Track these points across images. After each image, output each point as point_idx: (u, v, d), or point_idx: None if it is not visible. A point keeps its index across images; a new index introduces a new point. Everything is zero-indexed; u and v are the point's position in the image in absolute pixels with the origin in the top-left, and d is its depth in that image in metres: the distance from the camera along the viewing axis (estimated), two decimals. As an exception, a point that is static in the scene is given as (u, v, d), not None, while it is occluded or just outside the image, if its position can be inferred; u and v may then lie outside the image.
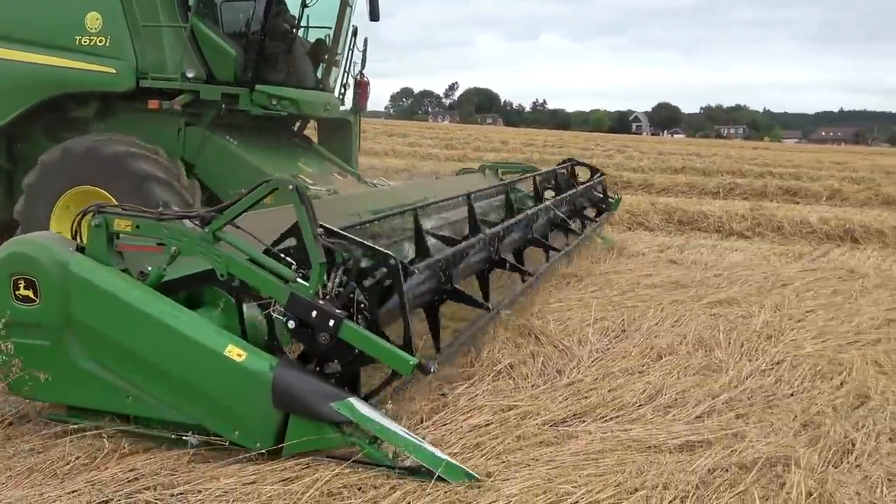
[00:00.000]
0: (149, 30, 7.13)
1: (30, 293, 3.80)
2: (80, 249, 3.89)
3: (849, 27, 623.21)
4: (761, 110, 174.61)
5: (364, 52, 8.76)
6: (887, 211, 16.45)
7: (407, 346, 3.84)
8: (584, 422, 4.26)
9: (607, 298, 6.98)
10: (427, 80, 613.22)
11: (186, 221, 3.85)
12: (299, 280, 3.71)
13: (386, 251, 4.01)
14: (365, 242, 4.02)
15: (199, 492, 3.29)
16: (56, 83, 7.29)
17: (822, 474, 3.73)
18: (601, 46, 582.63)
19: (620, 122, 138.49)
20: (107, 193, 6.58)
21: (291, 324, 3.70)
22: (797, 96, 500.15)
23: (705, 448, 3.97)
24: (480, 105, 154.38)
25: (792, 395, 4.91)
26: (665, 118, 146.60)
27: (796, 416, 4.50)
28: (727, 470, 3.71)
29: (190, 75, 7.16)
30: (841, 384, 5.13)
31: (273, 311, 3.78)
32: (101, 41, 7.19)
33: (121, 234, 3.90)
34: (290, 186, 3.81)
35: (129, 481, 3.37)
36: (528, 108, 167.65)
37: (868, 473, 3.85)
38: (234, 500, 3.22)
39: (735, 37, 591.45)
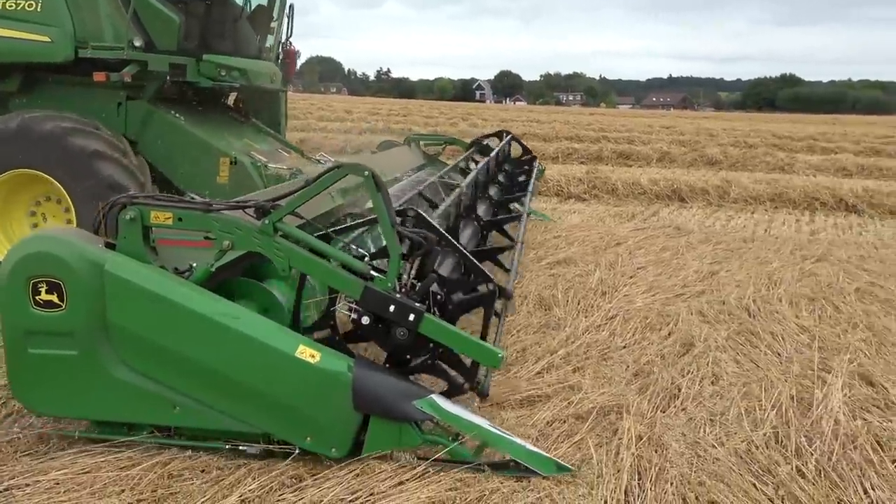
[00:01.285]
0: None
1: (53, 297, 3.32)
2: (109, 246, 3.46)
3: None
4: (597, 77, 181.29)
5: (291, 18, 8.22)
6: (710, 171, 17.55)
7: (484, 337, 3.70)
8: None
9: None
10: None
11: (238, 212, 3.48)
12: (373, 272, 3.46)
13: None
14: (440, 229, 3.83)
15: (28, 485, 3.12)
16: None
17: (651, 419, 3.98)
18: (442, 15, 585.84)
19: (464, 91, 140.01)
20: (47, 176, 6.03)
21: (366, 320, 3.44)
22: (629, 64, 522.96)
23: (544, 402, 4.15)
24: (324, 74, 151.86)
25: (624, 347, 5.18)
26: (507, 86, 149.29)
27: (628, 367, 4.77)
28: (564, 421, 3.91)
29: (137, 44, 6.51)
30: (668, 334, 5.46)
31: (339, 307, 3.54)
32: (31, 6, 6.39)
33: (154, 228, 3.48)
34: (366, 172, 3.49)
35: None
36: (372, 77, 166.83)
37: (692, 416, 4.13)
38: (65, 492, 3.08)
39: (570, 5, 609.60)
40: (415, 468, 3.32)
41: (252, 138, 7.64)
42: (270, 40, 8.02)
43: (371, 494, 3.14)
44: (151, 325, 3.34)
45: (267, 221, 3.44)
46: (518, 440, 3.46)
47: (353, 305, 3.45)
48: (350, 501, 3.10)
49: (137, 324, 3.35)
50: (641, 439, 3.69)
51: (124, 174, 6.05)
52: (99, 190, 5.76)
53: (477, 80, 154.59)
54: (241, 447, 3.42)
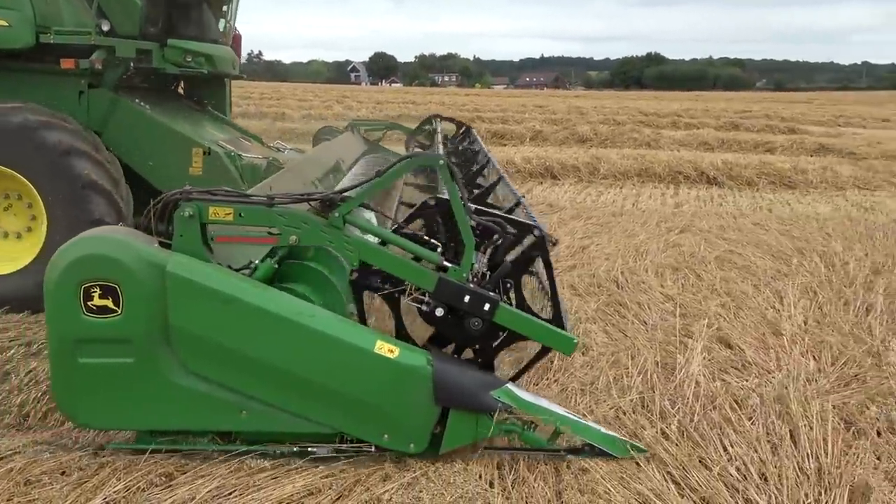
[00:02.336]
0: None
1: (107, 302, 3.10)
2: (163, 245, 3.24)
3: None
4: (471, 58, 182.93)
5: (236, 1, 7.73)
6: (581, 149, 18.02)
7: (558, 323, 3.56)
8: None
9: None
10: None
11: (303, 206, 3.33)
12: (447, 263, 3.36)
13: (530, 222, 3.72)
14: (508, 216, 3.72)
15: None
16: None
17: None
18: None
19: (339, 73, 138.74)
20: (15, 173, 5.46)
21: (440, 311, 3.35)
22: (503, 44, 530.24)
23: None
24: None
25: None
26: (383, 68, 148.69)
27: (503, 343, 4.84)
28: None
29: (105, 28, 6.06)
30: (541, 308, 5.57)
31: (409, 299, 3.41)
32: None
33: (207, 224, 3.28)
34: (441, 161, 3.40)
35: None
36: (243, 60, 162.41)
37: (565, 386, 4.27)
38: None
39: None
40: (290, 462, 3.29)
41: (213, 127, 7.30)
42: (223, 24, 7.58)
43: (246, 488, 3.08)
44: (219, 327, 3.18)
45: (337, 214, 3.32)
46: (593, 424, 3.52)
47: (424, 298, 3.38)
48: (223, 496, 3.03)
49: (204, 326, 3.18)
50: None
51: (98, 171, 5.59)
52: (74, 189, 5.41)
53: (352, 63, 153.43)
54: (309, 448, 3.33)
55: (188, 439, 3.34)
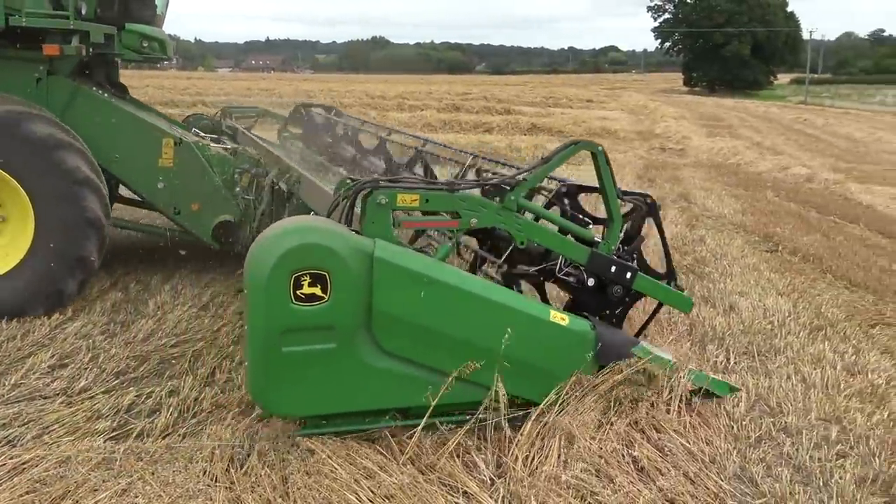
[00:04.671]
0: None
1: (316, 290, 3.15)
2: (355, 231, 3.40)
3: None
4: (193, 40, 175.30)
5: None
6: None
7: (672, 279, 4.16)
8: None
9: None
10: None
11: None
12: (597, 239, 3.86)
13: (644, 192, 4.16)
14: (626, 191, 4.07)
15: None
16: None
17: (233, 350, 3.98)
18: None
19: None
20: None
21: (591, 282, 3.87)
22: (226, 25, 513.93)
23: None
24: None
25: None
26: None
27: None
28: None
29: (84, 12, 5.58)
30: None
31: (561, 273, 3.87)
32: None
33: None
34: (599, 147, 3.84)
35: None
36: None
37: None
38: None
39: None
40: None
41: (153, 116, 6.63)
42: (160, 5, 6.94)
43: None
44: (419, 307, 3.31)
45: (512, 198, 3.64)
46: (702, 371, 4.08)
47: (573, 270, 3.86)
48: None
49: (404, 307, 3.30)
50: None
51: (85, 163, 5.17)
52: (66, 185, 5.04)
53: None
54: (481, 416, 3.45)
55: (366, 419, 3.44)
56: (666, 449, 3.57)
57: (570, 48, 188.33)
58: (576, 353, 3.64)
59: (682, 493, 3.25)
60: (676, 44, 79.03)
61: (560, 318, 3.63)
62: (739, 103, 47.76)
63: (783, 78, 79.62)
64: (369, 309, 3.27)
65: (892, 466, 3.59)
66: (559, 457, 3.34)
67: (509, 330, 3.43)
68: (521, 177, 3.75)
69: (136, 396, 3.87)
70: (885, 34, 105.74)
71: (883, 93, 56.89)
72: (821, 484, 3.45)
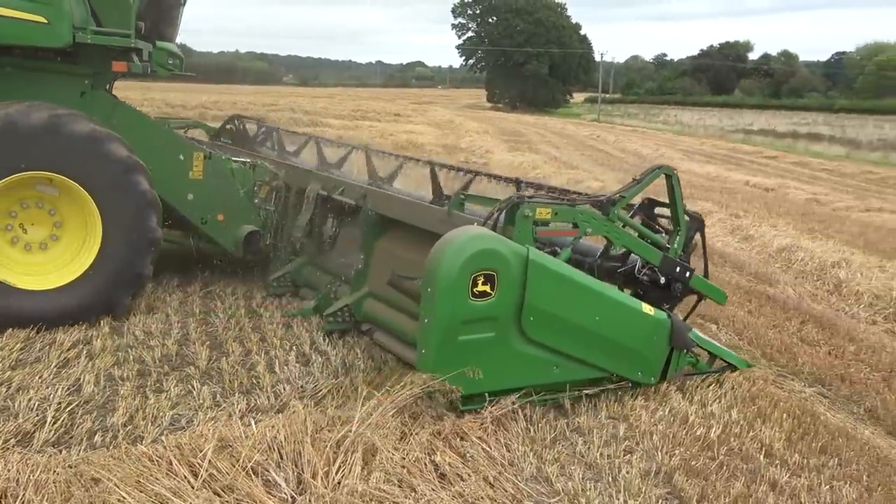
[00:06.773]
0: None
1: (486, 287, 3.84)
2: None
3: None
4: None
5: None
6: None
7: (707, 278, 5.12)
8: None
9: None
10: None
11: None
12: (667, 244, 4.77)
13: (694, 211, 5.05)
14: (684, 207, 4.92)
15: None
16: None
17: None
18: None
19: None
20: (68, 180, 5.12)
21: (662, 280, 4.75)
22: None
23: None
24: None
25: None
26: None
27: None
28: None
29: (142, 31, 5.84)
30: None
31: (640, 272, 4.76)
32: None
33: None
34: (674, 171, 4.76)
35: None
36: None
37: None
38: None
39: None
40: None
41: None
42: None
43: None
44: (560, 301, 4.09)
45: (616, 211, 4.49)
46: (730, 350, 5.29)
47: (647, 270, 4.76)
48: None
49: (548, 301, 4.04)
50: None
51: (151, 185, 5.38)
52: (138, 206, 5.29)
53: None
54: (585, 392, 4.39)
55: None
56: (468, 455, 3.65)
57: (379, 62, 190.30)
58: (657, 338, 4.53)
59: (482, 498, 3.34)
60: (480, 61, 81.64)
61: (647, 309, 4.48)
62: (539, 120, 50.13)
63: (578, 97, 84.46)
64: (521, 302, 3.96)
65: (673, 459, 3.87)
66: (362, 469, 3.33)
67: (618, 320, 4.32)
68: (617, 195, 4.60)
69: None
70: (667, 58, 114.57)
71: (666, 113, 61.94)
72: (610, 479, 3.66)
